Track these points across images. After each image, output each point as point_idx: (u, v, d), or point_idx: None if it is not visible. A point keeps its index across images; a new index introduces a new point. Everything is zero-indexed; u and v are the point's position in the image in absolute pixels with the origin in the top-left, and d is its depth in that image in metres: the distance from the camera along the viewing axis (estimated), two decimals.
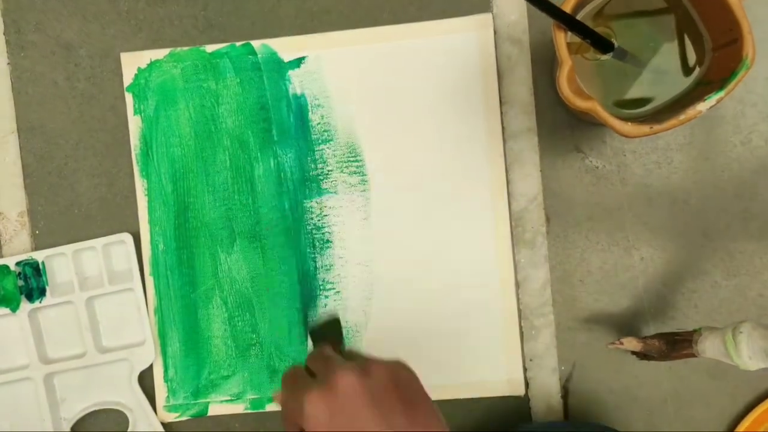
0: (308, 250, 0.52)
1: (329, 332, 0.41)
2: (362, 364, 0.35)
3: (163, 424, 0.52)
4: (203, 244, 0.52)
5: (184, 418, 0.53)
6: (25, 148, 0.53)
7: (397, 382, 0.35)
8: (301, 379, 0.35)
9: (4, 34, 0.53)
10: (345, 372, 0.33)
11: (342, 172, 0.51)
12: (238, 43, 0.51)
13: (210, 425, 0.53)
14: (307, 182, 0.51)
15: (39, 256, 0.52)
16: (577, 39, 0.42)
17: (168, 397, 0.53)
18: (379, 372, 0.34)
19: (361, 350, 0.50)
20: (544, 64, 0.50)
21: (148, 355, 0.52)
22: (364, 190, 0.51)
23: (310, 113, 0.51)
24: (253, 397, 0.52)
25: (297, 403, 0.34)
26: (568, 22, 0.39)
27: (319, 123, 0.51)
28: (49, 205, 0.53)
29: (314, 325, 0.40)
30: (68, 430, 0.53)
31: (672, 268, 0.50)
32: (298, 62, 0.51)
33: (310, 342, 0.42)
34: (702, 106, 0.38)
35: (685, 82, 0.43)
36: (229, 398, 0.52)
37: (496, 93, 0.50)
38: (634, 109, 0.44)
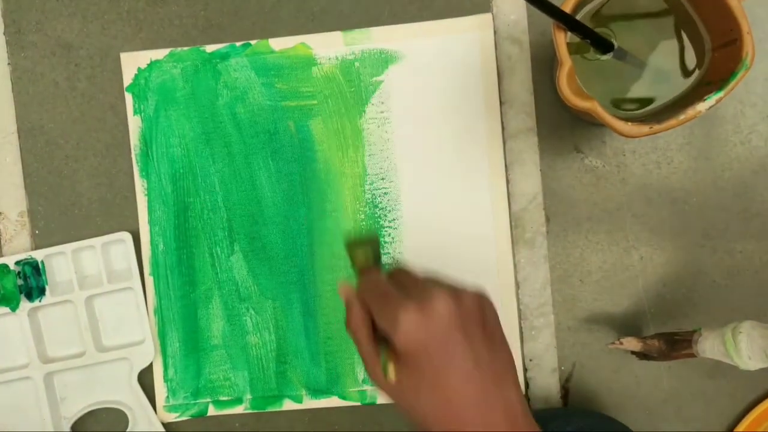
0: (307, 250, 0.52)
1: (367, 248, 0.41)
2: (455, 289, 0.35)
3: (163, 424, 0.52)
4: (203, 244, 0.52)
5: (184, 418, 0.53)
6: (25, 148, 0.53)
7: (483, 313, 0.35)
8: (392, 292, 0.35)
9: (4, 34, 0.53)
10: (442, 295, 0.34)
11: None
12: (238, 43, 0.51)
13: (210, 425, 0.53)
14: (307, 181, 0.51)
15: (38, 255, 0.52)
16: (577, 39, 0.42)
17: (168, 397, 0.53)
18: (471, 301, 0.35)
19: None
20: (544, 64, 0.50)
21: (148, 354, 0.52)
22: None
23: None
24: (252, 397, 0.52)
25: (386, 316, 0.34)
26: (568, 22, 0.39)
27: None
28: (49, 204, 0.53)
29: (352, 240, 0.40)
30: (68, 429, 0.53)
31: (672, 267, 0.50)
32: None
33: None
34: (701, 107, 0.38)
35: (684, 83, 0.44)
36: (229, 398, 0.52)
37: (496, 93, 0.50)
38: (634, 110, 0.44)
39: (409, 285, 0.35)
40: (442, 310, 0.33)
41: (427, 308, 0.33)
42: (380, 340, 0.35)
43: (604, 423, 0.47)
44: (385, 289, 0.35)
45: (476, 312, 0.35)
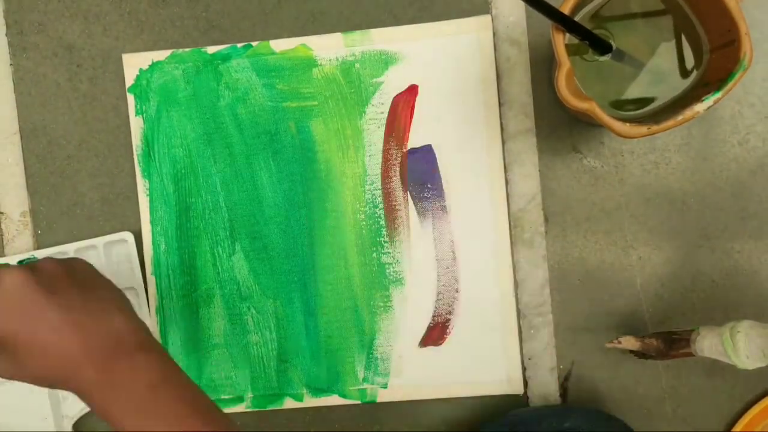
0: (308, 250, 0.52)
1: None
2: (32, 263, 0.38)
3: None
4: (204, 244, 0.52)
5: None
6: (27, 148, 0.53)
7: (70, 271, 0.38)
8: None
9: (6, 35, 0.53)
10: (11, 271, 0.36)
11: None
12: (239, 45, 0.52)
13: None
14: (307, 181, 0.52)
15: (41, 255, 0.52)
16: (575, 40, 0.42)
17: None
18: (48, 265, 0.38)
19: None
20: (543, 66, 0.51)
21: None
22: None
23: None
24: (253, 395, 0.52)
25: None
26: (566, 23, 0.39)
27: None
28: (52, 205, 0.53)
29: None
30: (70, 428, 0.53)
31: (670, 267, 0.51)
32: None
33: None
34: (700, 107, 0.39)
35: (682, 83, 0.44)
36: (230, 397, 0.53)
37: (495, 94, 0.50)
38: (632, 110, 0.44)
39: None
40: (12, 283, 0.36)
41: None
42: None
43: (602, 419, 0.47)
44: None
45: (58, 271, 0.37)
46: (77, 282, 0.38)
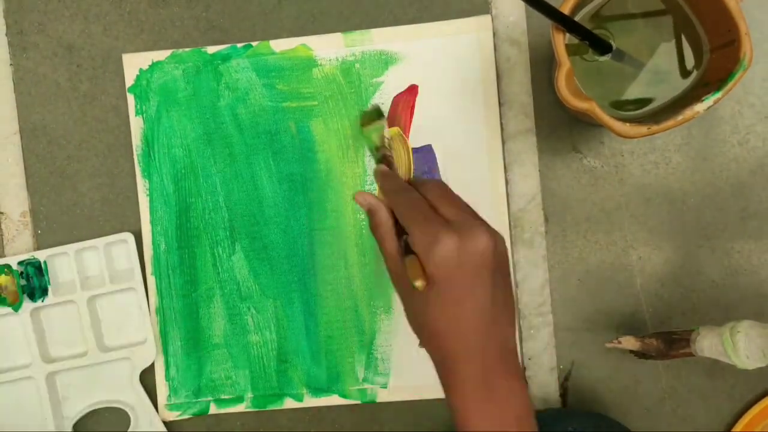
0: (308, 250, 0.52)
1: (378, 124, 0.45)
2: (494, 232, 0.36)
3: (165, 423, 0.53)
4: (204, 244, 0.52)
5: (185, 417, 0.53)
6: (27, 148, 0.53)
7: (508, 260, 0.37)
8: (433, 214, 0.36)
9: (6, 35, 0.53)
10: (484, 234, 0.35)
11: None
12: (239, 45, 0.52)
13: (211, 424, 0.53)
14: (308, 181, 0.52)
15: (41, 255, 0.52)
16: (575, 40, 0.42)
17: (169, 395, 0.53)
18: (503, 247, 0.37)
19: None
20: (543, 66, 0.51)
21: (150, 354, 0.52)
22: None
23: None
24: (253, 395, 0.52)
25: (424, 237, 0.35)
26: (566, 23, 0.39)
27: None
28: (52, 205, 0.53)
29: (361, 121, 0.45)
30: (70, 429, 0.53)
31: (670, 267, 0.51)
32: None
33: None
34: (700, 107, 0.39)
35: (682, 83, 0.44)
36: (230, 397, 0.53)
37: (495, 94, 0.50)
38: (632, 110, 0.44)
39: (447, 211, 0.37)
40: (481, 248, 0.35)
41: (468, 243, 0.35)
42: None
43: (603, 424, 0.47)
44: (423, 209, 0.37)
45: (505, 258, 0.37)
46: (507, 279, 0.37)
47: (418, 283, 0.35)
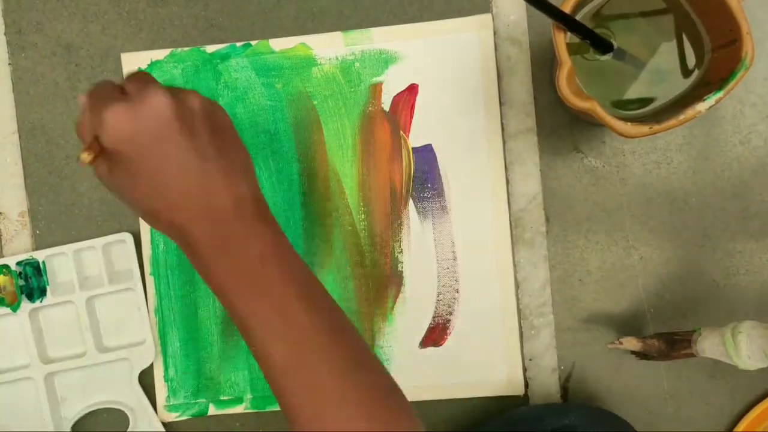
0: (307, 249, 0.52)
1: None
2: (178, 90, 0.35)
3: (164, 424, 0.53)
4: None
5: (184, 418, 0.53)
6: (26, 148, 0.53)
7: (211, 114, 0.36)
8: (110, 92, 0.35)
9: (5, 34, 0.53)
10: (158, 91, 0.34)
11: None
12: (238, 44, 0.51)
13: (210, 425, 0.53)
14: (307, 181, 0.51)
15: (40, 255, 0.52)
16: (576, 39, 0.42)
17: (168, 396, 0.53)
18: (194, 101, 0.35)
19: None
20: (544, 65, 0.50)
21: (149, 354, 0.52)
22: None
23: None
24: (253, 396, 0.52)
25: (98, 110, 0.34)
26: (567, 22, 0.39)
27: None
28: (50, 205, 0.53)
29: None
30: (69, 429, 0.53)
31: (671, 267, 0.50)
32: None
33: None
34: (701, 107, 0.39)
35: (684, 83, 0.44)
36: (229, 398, 0.52)
37: (496, 93, 0.50)
38: (634, 110, 0.44)
39: (131, 88, 0.35)
40: (156, 104, 0.33)
41: (138, 104, 0.33)
42: None
43: (602, 417, 0.47)
44: (100, 95, 0.35)
45: (200, 110, 0.35)
46: (215, 129, 0.36)
47: (83, 156, 0.33)
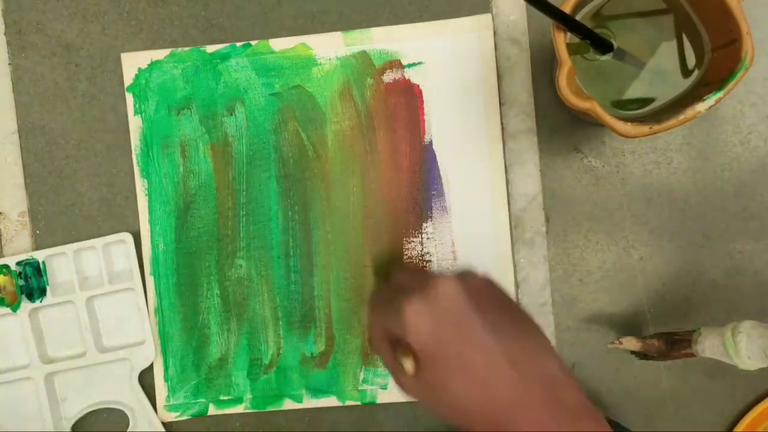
0: (307, 249, 0.52)
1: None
2: (458, 273, 0.33)
3: (164, 424, 0.53)
4: (204, 244, 0.52)
5: (184, 418, 0.53)
6: (25, 148, 0.53)
7: (494, 289, 0.33)
8: (396, 294, 0.33)
9: (5, 34, 0.53)
10: (444, 280, 0.31)
11: None
12: (238, 44, 0.51)
13: (210, 425, 0.53)
14: (307, 181, 0.52)
15: (39, 255, 0.52)
16: (576, 39, 0.42)
17: (168, 396, 0.53)
18: (477, 279, 0.33)
19: None
20: (544, 65, 0.50)
21: (149, 354, 0.52)
22: None
23: None
24: (252, 396, 0.52)
25: (394, 317, 0.31)
26: (567, 22, 0.39)
27: None
28: (50, 205, 0.53)
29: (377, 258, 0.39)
30: (69, 429, 0.53)
31: (671, 267, 0.50)
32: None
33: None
34: (701, 107, 0.38)
35: (684, 83, 0.44)
36: (229, 398, 0.52)
37: (496, 93, 0.50)
38: (634, 110, 0.44)
39: (409, 282, 0.33)
40: (447, 292, 0.31)
41: (430, 295, 0.31)
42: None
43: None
44: (388, 295, 0.33)
45: (485, 288, 0.33)
46: (505, 307, 0.33)
47: (407, 364, 0.31)
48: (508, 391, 0.30)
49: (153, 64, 0.52)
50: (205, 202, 0.52)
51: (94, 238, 0.52)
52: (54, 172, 0.53)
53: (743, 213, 0.50)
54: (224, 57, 0.51)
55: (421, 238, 0.51)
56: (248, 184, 0.52)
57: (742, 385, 0.50)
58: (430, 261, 0.50)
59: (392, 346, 0.33)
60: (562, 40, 0.40)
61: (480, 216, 0.50)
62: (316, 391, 0.52)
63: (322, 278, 0.52)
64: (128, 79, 0.52)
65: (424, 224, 0.51)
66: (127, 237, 0.52)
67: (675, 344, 0.46)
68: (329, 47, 0.51)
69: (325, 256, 0.52)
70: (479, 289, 0.33)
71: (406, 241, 0.51)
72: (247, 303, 0.52)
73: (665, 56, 0.44)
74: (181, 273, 0.52)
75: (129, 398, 0.53)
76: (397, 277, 0.35)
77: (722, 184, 0.50)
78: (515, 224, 0.51)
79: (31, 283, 0.52)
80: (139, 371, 0.52)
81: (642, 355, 0.48)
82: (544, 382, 0.30)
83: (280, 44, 0.51)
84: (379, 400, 0.52)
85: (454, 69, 0.50)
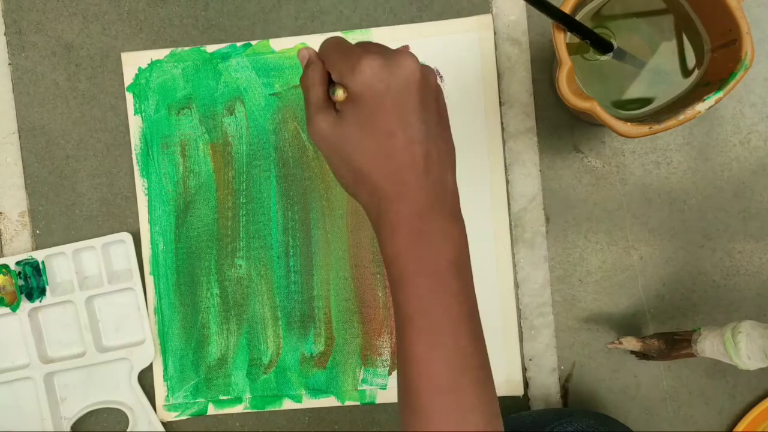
0: (306, 249, 0.52)
1: None
2: (422, 63, 0.34)
3: (163, 423, 0.52)
4: (203, 244, 0.52)
5: (183, 417, 0.53)
6: (26, 148, 0.53)
7: (439, 93, 0.35)
8: (355, 47, 0.34)
9: (5, 34, 0.53)
10: (410, 58, 0.33)
11: None
12: (238, 44, 0.51)
13: (210, 424, 0.53)
14: (307, 180, 0.52)
15: (39, 255, 0.52)
16: (576, 39, 0.42)
17: (168, 396, 0.53)
18: (433, 78, 0.35)
19: None
20: (544, 65, 0.50)
21: (148, 354, 0.52)
22: None
23: None
24: (252, 396, 0.52)
25: (345, 59, 0.33)
26: (567, 22, 0.39)
27: None
28: (50, 204, 0.53)
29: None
30: (68, 429, 0.53)
31: (671, 267, 0.50)
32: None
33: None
34: (701, 107, 0.38)
35: (684, 83, 0.44)
36: (228, 397, 0.52)
37: (496, 93, 0.50)
38: (633, 110, 0.44)
39: (374, 49, 0.34)
40: (408, 68, 0.33)
41: (393, 63, 0.32)
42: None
43: (604, 423, 0.47)
44: (349, 47, 0.34)
45: (435, 88, 0.35)
46: (441, 112, 0.35)
47: (339, 91, 0.32)
48: (409, 177, 0.32)
49: (153, 64, 0.52)
50: (205, 201, 0.52)
51: (93, 237, 0.52)
52: (54, 171, 0.53)
53: (743, 213, 0.50)
54: (224, 57, 0.51)
55: None
56: (248, 184, 0.52)
57: (742, 385, 0.50)
58: None
59: (326, 88, 0.34)
60: (562, 40, 0.40)
61: (480, 216, 0.50)
62: (316, 391, 0.52)
63: (321, 278, 0.52)
64: (128, 78, 0.52)
65: None
66: (127, 237, 0.51)
67: (675, 344, 0.45)
68: None
69: (324, 256, 0.52)
70: (432, 84, 0.34)
71: None
72: (247, 303, 0.52)
73: (665, 56, 0.44)
74: (181, 273, 0.52)
75: (128, 398, 0.53)
76: (365, 44, 0.36)
77: (722, 184, 0.50)
78: (515, 224, 0.51)
79: (31, 283, 0.52)
80: (139, 371, 0.52)
81: (642, 355, 0.48)
82: (442, 187, 0.33)
83: (280, 44, 0.51)
84: (378, 401, 0.52)
85: (454, 69, 0.50)
